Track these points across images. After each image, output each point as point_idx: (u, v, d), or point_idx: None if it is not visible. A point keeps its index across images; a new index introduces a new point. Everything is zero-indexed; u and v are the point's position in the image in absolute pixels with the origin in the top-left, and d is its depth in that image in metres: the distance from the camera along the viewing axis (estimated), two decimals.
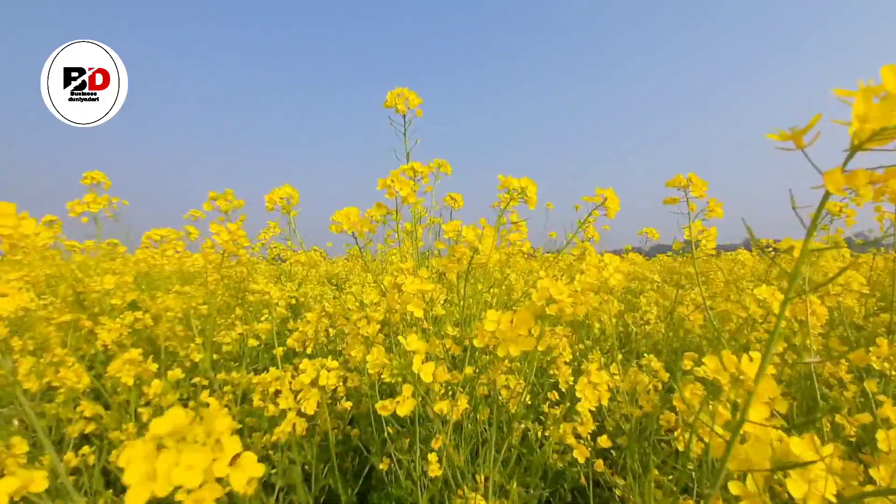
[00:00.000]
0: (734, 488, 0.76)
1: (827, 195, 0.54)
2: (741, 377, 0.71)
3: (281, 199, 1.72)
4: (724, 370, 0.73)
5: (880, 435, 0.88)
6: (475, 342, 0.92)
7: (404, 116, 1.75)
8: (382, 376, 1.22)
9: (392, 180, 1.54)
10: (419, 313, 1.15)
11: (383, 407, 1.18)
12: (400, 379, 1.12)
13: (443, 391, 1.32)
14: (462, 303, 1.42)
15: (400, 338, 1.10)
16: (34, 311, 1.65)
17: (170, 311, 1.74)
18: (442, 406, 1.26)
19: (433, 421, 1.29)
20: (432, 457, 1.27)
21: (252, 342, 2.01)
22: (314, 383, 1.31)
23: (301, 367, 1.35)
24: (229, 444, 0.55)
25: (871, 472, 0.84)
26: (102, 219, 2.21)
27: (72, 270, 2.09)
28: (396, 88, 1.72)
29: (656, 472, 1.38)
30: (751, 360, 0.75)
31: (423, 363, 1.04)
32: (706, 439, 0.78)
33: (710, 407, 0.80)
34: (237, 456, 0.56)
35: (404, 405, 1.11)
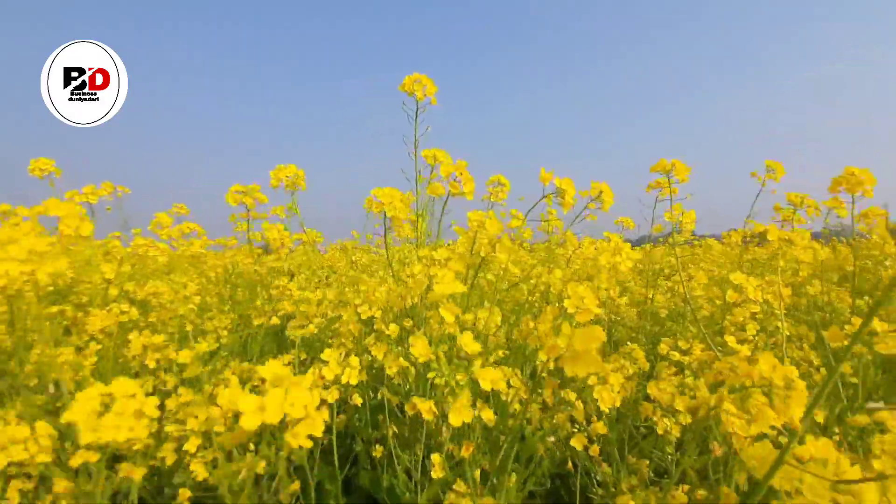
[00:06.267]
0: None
1: None
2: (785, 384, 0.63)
3: (287, 177, 1.65)
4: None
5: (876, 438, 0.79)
6: (541, 355, 0.77)
7: (417, 103, 1.68)
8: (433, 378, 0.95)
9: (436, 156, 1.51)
10: (450, 318, 0.99)
11: (429, 410, 0.99)
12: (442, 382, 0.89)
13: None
14: (468, 295, 1.31)
15: (461, 339, 0.90)
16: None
17: (160, 298, 1.63)
18: (489, 414, 0.99)
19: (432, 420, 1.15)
20: (436, 458, 1.08)
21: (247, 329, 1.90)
22: (337, 380, 1.18)
23: (324, 356, 1.21)
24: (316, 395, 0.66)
25: None
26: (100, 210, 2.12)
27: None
28: (414, 74, 1.67)
29: (631, 458, 1.29)
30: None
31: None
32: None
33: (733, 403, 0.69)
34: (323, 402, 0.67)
35: (460, 413, 0.87)
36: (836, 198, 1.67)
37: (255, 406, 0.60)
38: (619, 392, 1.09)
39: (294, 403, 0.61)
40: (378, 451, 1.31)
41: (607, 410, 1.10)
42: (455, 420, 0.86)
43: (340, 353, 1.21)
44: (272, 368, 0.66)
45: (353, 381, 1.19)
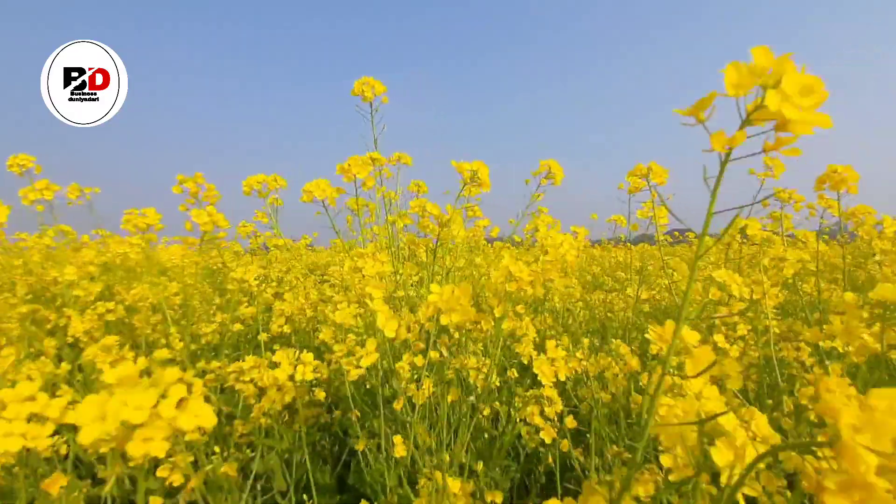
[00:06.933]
0: (665, 460, 0.72)
1: (726, 159, 0.59)
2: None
3: (259, 183, 1.66)
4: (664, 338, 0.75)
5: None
6: (419, 313, 0.89)
7: (371, 104, 1.71)
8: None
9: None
10: (378, 293, 1.07)
11: (349, 363, 1.17)
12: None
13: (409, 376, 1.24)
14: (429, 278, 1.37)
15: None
16: None
17: (143, 301, 1.62)
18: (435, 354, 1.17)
19: (402, 405, 1.21)
20: (397, 439, 1.19)
21: (238, 327, 1.90)
22: (291, 378, 1.21)
23: (275, 358, 1.24)
24: (177, 390, 0.58)
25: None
26: (76, 209, 2.10)
27: (25, 263, 1.95)
28: (363, 77, 1.67)
29: (616, 448, 1.31)
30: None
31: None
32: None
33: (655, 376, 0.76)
34: (183, 400, 0.58)
35: (367, 358, 1.06)
36: (822, 195, 1.66)
37: (94, 416, 0.51)
38: (563, 367, 1.17)
39: (137, 406, 0.52)
40: (360, 444, 1.34)
41: (550, 384, 1.16)
42: (390, 333, 1.01)
43: (294, 352, 1.25)
44: (120, 370, 0.58)
45: (308, 377, 1.22)
